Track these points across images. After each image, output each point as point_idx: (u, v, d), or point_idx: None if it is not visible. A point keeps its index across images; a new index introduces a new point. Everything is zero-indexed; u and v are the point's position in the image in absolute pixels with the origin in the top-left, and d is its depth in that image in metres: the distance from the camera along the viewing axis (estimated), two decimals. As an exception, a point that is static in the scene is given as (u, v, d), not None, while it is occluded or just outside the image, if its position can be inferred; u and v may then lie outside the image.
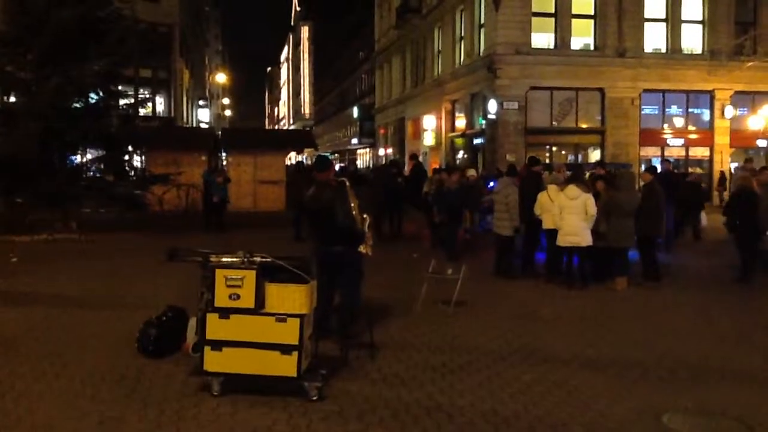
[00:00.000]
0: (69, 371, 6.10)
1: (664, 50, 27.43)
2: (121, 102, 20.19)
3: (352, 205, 6.74)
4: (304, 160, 26.78)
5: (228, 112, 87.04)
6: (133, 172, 20.47)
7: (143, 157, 23.29)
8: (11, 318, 8.10)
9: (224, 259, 5.56)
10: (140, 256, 12.90)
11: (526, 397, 5.61)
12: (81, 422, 4.94)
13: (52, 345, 6.96)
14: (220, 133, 30.64)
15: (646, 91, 27.00)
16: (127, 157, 20.42)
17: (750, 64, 26.52)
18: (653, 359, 6.69)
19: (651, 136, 27.39)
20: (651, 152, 27.36)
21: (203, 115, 58.39)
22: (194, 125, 51.41)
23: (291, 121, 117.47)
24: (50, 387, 5.71)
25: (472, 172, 13.56)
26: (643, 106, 27.26)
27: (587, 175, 13.12)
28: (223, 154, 25.58)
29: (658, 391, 5.80)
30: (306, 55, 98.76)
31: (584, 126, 27.43)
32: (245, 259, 5.53)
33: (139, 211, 18.72)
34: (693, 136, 27.87)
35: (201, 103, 59.68)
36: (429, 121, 35.05)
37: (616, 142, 26.79)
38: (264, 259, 5.53)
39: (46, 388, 5.67)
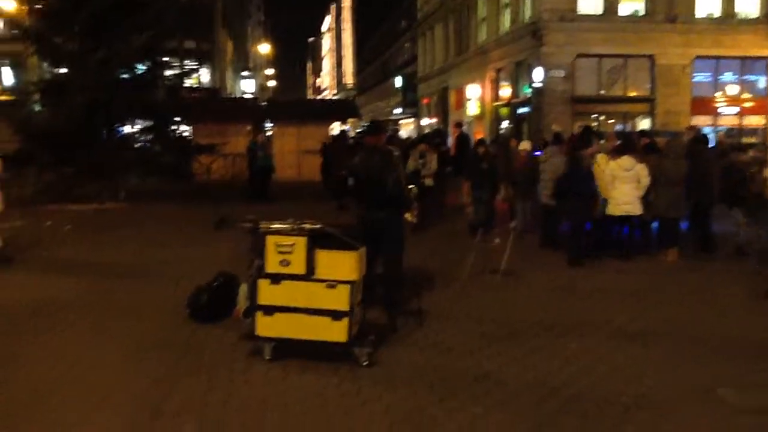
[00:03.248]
0: (123, 336, 6.26)
1: (717, 14, 26.47)
2: (167, 73, 20.39)
3: (402, 172, 6.68)
4: (348, 130, 26.75)
5: (271, 83, 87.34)
6: (179, 143, 20.72)
7: (189, 128, 23.54)
8: (65, 285, 8.32)
9: (274, 226, 5.59)
10: (187, 225, 13.11)
11: (574, 368, 5.55)
12: (136, 384, 5.06)
13: (105, 310, 7.14)
14: (264, 103, 30.80)
15: (698, 57, 26.16)
16: (173, 128, 20.64)
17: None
18: (705, 333, 6.55)
19: (703, 105, 26.61)
20: (703, 121, 26.55)
21: (247, 86, 58.71)
22: (238, 96, 51.73)
23: (334, 92, 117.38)
24: (105, 351, 5.86)
25: (525, 146, 12.36)
26: (694, 74, 26.45)
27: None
28: (268, 125, 25.72)
29: (710, 365, 5.67)
30: (348, 25, 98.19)
31: (633, 94, 26.78)
32: (295, 226, 5.55)
33: (186, 181, 18.99)
34: (748, 105, 26.98)
35: (244, 74, 60.02)
36: (473, 90, 34.63)
37: (667, 110, 26.09)
38: (314, 226, 5.55)
39: (102, 352, 5.83)
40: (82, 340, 6.12)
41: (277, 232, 5.46)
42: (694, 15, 26.04)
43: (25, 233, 12.13)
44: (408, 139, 24.58)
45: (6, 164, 9.98)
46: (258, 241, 5.53)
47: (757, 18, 26.48)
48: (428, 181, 12.51)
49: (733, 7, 26.48)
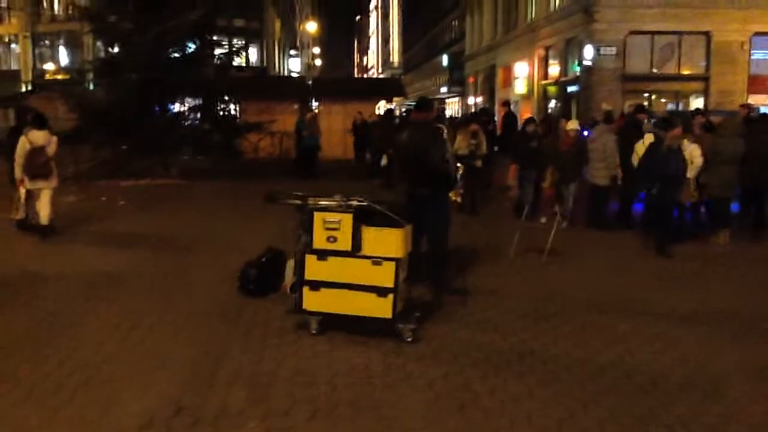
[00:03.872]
0: (175, 307, 6.45)
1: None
2: (216, 52, 20.66)
3: (449, 150, 6.68)
4: (393, 108, 26.73)
5: (318, 62, 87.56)
6: (227, 121, 21.02)
7: (238, 106, 23.85)
8: (120, 257, 8.60)
9: (322, 203, 5.67)
10: (237, 201, 13.38)
11: (622, 347, 5.53)
12: (189, 353, 5.23)
13: (158, 282, 7.36)
14: (310, 82, 30.96)
15: (757, 34, 25.25)
16: (222, 106, 20.95)
17: None
18: (757, 314, 6.43)
19: (761, 83, 25.71)
20: (760, 100, 25.69)
21: (294, 65, 59.01)
22: (286, 75, 52.04)
23: (380, 70, 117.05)
24: (159, 320, 6.06)
25: (573, 125, 11.37)
26: (753, 51, 25.57)
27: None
28: (315, 103, 25.88)
29: (762, 346, 5.59)
30: (394, 3, 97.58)
31: (686, 72, 26.06)
32: (342, 203, 5.63)
33: (234, 158, 19.29)
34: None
35: (292, 52, 60.28)
36: (521, 69, 34.16)
37: (721, 89, 25.31)
38: (361, 203, 5.61)
39: (156, 321, 6.03)
40: (137, 310, 6.33)
41: (325, 208, 5.55)
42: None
43: (81, 208, 12.54)
44: (454, 118, 24.45)
45: (60, 142, 10.28)
46: (305, 217, 5.63)
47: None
48: (479, 163, 12.00)
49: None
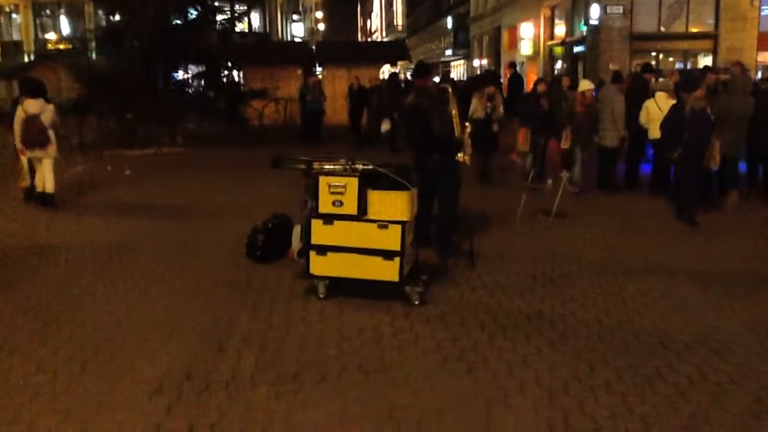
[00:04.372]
0: (183, 274, 6.48)
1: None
2: (218, 18, 20.45)
3: (453, 113, 6.62)
4: (398, 72, 26.49)
5: (321, 26, 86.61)
6: (231, 88, 20.89)
7: (242, 73, 23.68)
8: (127, 226, 8.61)
9: (327, 167, 5.65)
10: (243, 168, 13.36)
11: (631, 308, 5.53)
12: (199, 320, 5.26)
13: (165, 251, 7.38)
14: (314, 47, 30.67)
15: (767, -11, 24.80)
16: (226, 73, 20.80)
17: None
18: (766, 274, 6.41)
19: (772, 41, 25.32)
20: (772, 58, 25.38)
21: (297, 30, 58.34)
22: (289, 40, 51.53)
23: (384, 34, 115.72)
24: (168, 288, 6.09)
25: (587, 85, 10.58)
26: (763, 7, 25.09)
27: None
28: (318, 68, 25.67)
29: (771, 304, 5.58)
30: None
31: (695, 30, 25.62)
32: (348, 167, 5.60)
33: (239, 125, 19.22)
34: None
35: (295, 17, 59.55)
36: (526, 30, 33.66)
37: (730, 47, 24.90)
38: (366, 167, 5.59)
39: (165, 289, 6.05)
40: (145, 279, 6.36)
41: (330, 173, 5.52)
42: (764, -56, 24.59)
43: (87, 178, 12.54)
44: (460, 80, 24.18)
45: (65, 112, 10.22)
46: (311, 182, 5.61)
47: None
48: (495, 127, 11.36)
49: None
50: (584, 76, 24.43)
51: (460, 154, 6.88)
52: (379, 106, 16.52)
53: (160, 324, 5.21)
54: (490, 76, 18.04)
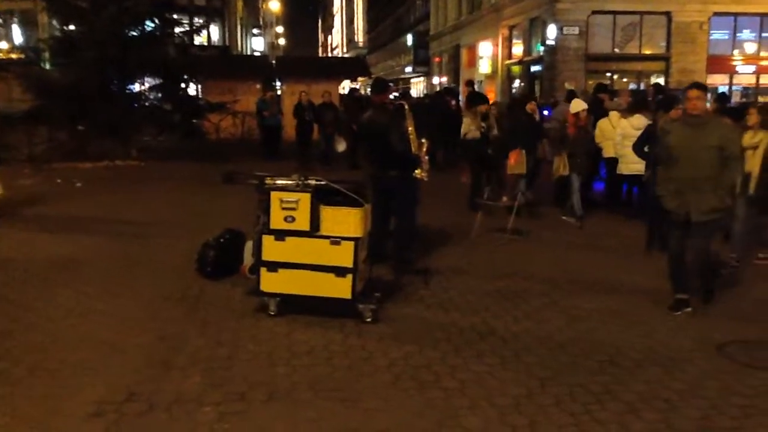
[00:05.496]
0: (131, 291, 6.29)
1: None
2: (177, 30, 20.21)
3: (409, 129, 6.61)
4: (358, 88, 26.53)
5: (281, 41, 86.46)
6: (188, 101, 20.62)
7: (199, 86, 23.41)
8: (76, 241, 8.36)
9: (279, 182, 5.56)
10: (198, 182, 13.14)
11: (584, 325, 5.54)
12: (143, 338, 5.09)
13: (113, 266, 7.17)
14: (274, 61, 30.54)
15: (716, 14, 25.59)
16: (183, 86, 20.53)
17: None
18: (717, 294, 6.49)
19: (719, 63, 26.13)
20: (719, 80, 26.15)
21: (257, 44, 58.21)
22: (248, 54, 51.30)
23: (344, 50, 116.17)
24: (113, 305, 5.90)
25: (580, 105, 9.84)
26: (712, 31, 25.91)
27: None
28: (278, 83, 25.54)
29: (720, 324, 5.62)
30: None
31: (648, 52, 26.32)
32: (300, 182, 5.53)
33: (196, 139, 18.96)
34: (765, 63, 26.44)
35: (255, 31, 59.42)
36: (485, 49, 34.13)
37: (682, 69, 25.62)
38: (319, 182, 5.52)
39: (110, 306, 5.86)
40: (93, 294, 6.16)
41: (282, 188, 5.43)
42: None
43: (36, 191, 12.20)
44: (424, 97, 24.30)
45: (7, 121, 9.93)
46: (263, 197, 5.51)
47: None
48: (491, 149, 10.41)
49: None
50: (540, 96, 24.84)
51: (417, 171, 6.86)
52: (336, 122, 16.42)
53: (103, 342, 5.03)
54: (447, 93, 18.18)
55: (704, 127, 5.69)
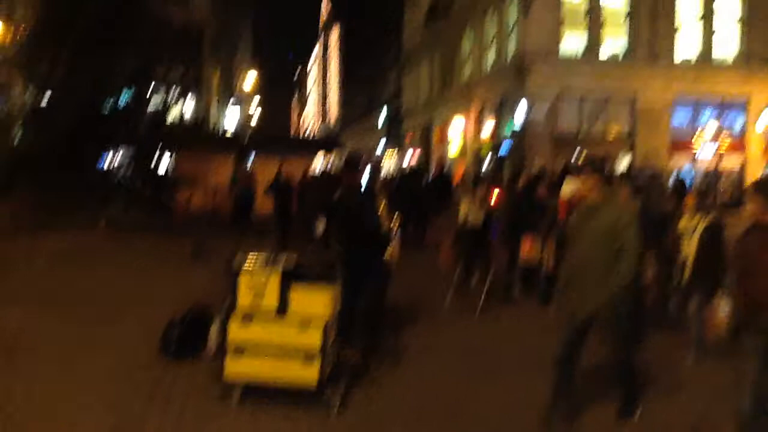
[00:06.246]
0: (93, 371, 6.08)
1: (698, 55, 26.96)
2: (151, 102, 20.42)
3: (381, 208, 6.64)
4: (329, 166, 26.77)
5: (256, 114, 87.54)
6: (160, 173, 20.65)
7: (172, 158, 23.48)
8: (36, 316, 8.10)
9: (248, 260, 5.50)
10: (165, 256, 12.93)
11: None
12: (104, 423, 4.89)
13: (76, 343, 6.94)
14: (247, 136, 30.86)
15: (677, 97, 26.53)
16: (155, 158, 20.58)
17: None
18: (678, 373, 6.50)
19: (682, 145, 26.91)
20: (682, 162, 26.90)
21: (231, 117, 58.74)
22: (222, 127, 51.78)
23: (318, 124, 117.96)
24: (74, 386, 5.68)
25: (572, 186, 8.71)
26: (674, 114, 26.80)
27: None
28: (251, 158, 25.72)
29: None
30: (334, 57, 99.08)
31: (613, 132, 27.05)
32: (270, 261, 5.47)
33: (166, 212, 18.87)
34: (726, 146, 27.28)
35: (230, 104, 60.08)
36: (456, 127, 34.87)
37: (646, 150, 26.34)
38: (288, 262, 5.47)
39: (70, 388, 5.64)
40: (51, 374, 5.94)
41: (251, 267, 5.37)
42: (675, 55, 26.50)
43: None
44: (396, 174, 24.51)
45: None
46: (230, 275, 5.43)
47: (737, 58, 27.00)
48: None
49: (711, 50, 26.98)
50: (511, 174, 25.19)
51: (388, 251, 6.85)
52: (311, 202, 16.39)
53: (62, 426, 4.81)
54: (413, 174, 18.39)
55: (597, 209, 5.07)
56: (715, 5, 26.80)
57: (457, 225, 9.47)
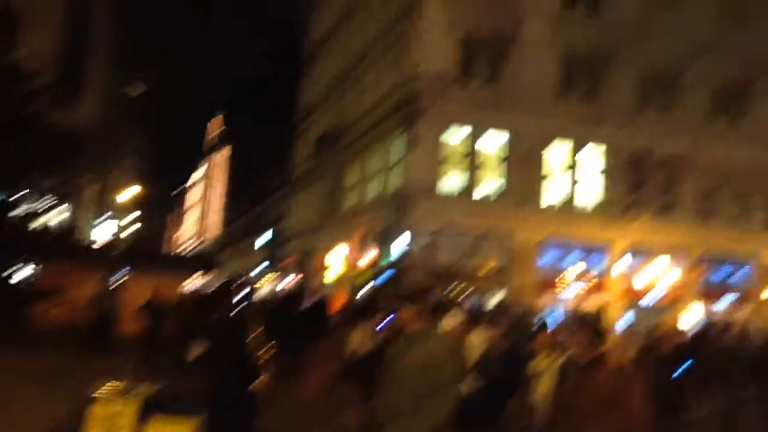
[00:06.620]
0: None
1: (564, 201, 28.97)
2: (20, 210, 19.37)
3: (252, 336, 6.43)
4: (206, 286, 26.03)
5: (132, 228, 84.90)
6: (20, 285, 19.30)
7: (36, 270, 22.06)
8: None
9: (104, 388, 5.09)
10: (19, 378, 11.74)
11: None
12: None
13: None
14: (120, 250, 29.68)
15: (546, 239, 28.15)
16: (17, 268, 19.27)
17: (642, 218, 28.53)
18: None
19: (550, 284, 28.29)
20: (549, 300, 28.17)
21: (106, 230, 56.64)
22: (95, 239, 49.68)
23: (197, 243, 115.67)
24: None
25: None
26: (543, 254, 28.32)
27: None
28: (121, 273, 24.61)
29: None
30: (220, 177, 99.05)
31: (488, 268, 28.10)
32: (128, 389, 5.08)
33: (25, 327, 17.50)
34: (590, 287, 28.96)
35: (104, 216, 58.11)
36: (338, 253, 35.14)
37: (518, 287, 27.47)
38: (149, 390, 5.10)
39: None
40: None
41: (105, 397, 4.95)
42: (544, 200, 28.38)
43: None
44: (275, 298, 24.08)
45: None
46: (77, 406, 4.98)
47: (596, 207, 29.28)
48: None
49: (578, 197, 29.14)
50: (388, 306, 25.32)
51: (257, 381, 6.58)
52: (184, 324, 15.72)
53: None
54: (297, 297, 18.17)
55: (413, 342, 4.82)
56: (579, 157, 29.28)
57: (339, 355, 9.19)
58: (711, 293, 30.29)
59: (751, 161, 30.92)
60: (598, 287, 28.81)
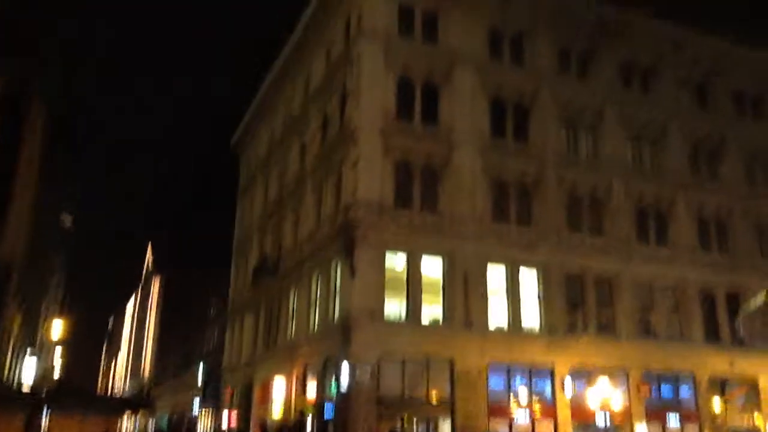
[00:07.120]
0: None
1: (506, 324, 28.92)
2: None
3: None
4: (136, 427, 24.45)
5: (60, 365, 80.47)
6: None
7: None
8: None
9: None
10: None
11: None
12: None
13: None
14: (45, 391, 27.85)
15: (492, 363, 27.81)
16: None
17: (583, 339, 28.65)
18: None
19: (498, 409, 27.69)
20: (500, 425, 27.51)
21: (30, 368, 53.38)
22: (17, 379, 46.63)
23: (129, 377, 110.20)
24: None
25: None
26: (489, 379, 27.86)
27: None
28: (46, 416, 22.97)
29: None
30: (152, 309, 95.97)
31: (434, 397, 27.39)
32: None
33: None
34: (537, 410, 28.45)
35: (29, 353, 54.95)
36: (279, 386, 33.80)
37: (466, 413, 26.76)
38: None
39: None
40: None
41: None
42: (487, 323, 28.24)
43: None
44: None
45: None
46: None
47: (540, 328, 29.32)
48: None
49: (519, 318, 29.15)
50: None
51: None
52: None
53: None
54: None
55: None
56: (518, 281, 29.59)
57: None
58: (656, 413, 30.17)
59: (681, 279, 32.08)
60: (547, 412, 28.33)
